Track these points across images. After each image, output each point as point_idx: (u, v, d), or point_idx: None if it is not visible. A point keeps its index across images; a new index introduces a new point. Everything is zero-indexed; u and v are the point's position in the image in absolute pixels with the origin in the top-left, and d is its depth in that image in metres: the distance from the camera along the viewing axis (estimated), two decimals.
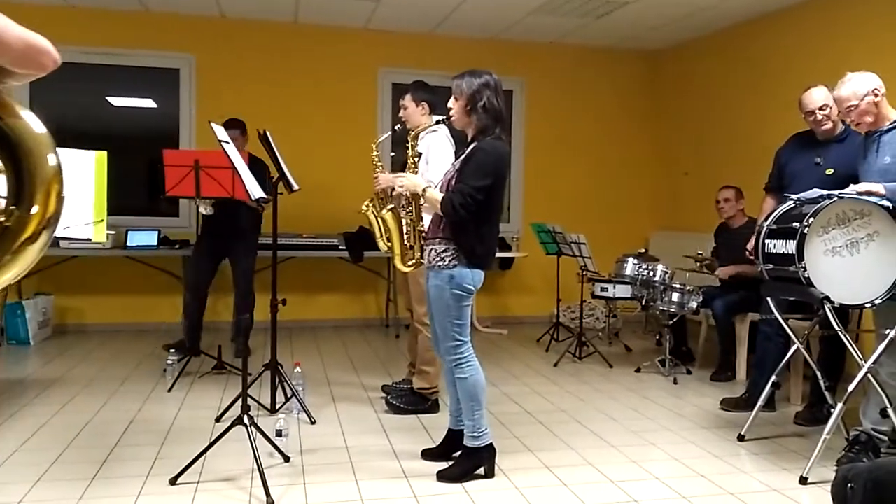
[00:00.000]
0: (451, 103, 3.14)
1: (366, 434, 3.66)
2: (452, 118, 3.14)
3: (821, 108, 3.78)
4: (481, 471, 3.09)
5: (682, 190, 7.12)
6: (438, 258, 3.03)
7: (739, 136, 6.24)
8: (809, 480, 3.06)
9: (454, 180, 3.03)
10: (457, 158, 3.27)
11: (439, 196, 3.02)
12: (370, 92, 6.91)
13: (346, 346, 5.99)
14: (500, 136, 3.04)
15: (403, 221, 3.42)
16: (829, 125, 3.82)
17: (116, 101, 6.77)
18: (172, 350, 4.86)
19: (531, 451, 3.44)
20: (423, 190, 3.11)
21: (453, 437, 3.26)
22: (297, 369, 4.10)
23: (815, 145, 3.92)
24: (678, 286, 4.93)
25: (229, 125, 4.85)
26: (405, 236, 3.49)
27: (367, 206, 3.83)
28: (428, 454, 3.31)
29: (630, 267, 5.23)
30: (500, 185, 3.04)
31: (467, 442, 3.09)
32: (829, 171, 3.76)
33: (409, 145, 3.48)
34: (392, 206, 3.55)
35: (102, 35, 6.27)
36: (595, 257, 5.52)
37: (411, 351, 4.25)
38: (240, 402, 3.12)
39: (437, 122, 3.65)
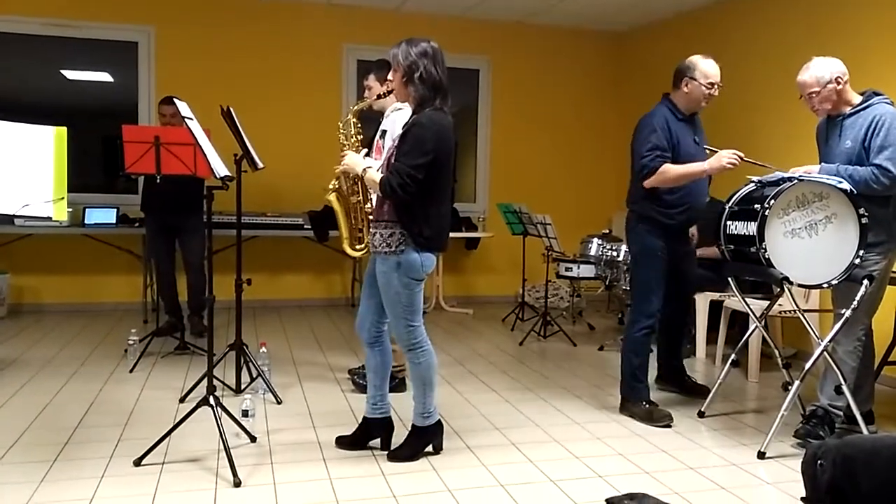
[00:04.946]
0: (390, 75, 3.06)
1: (333, 414, 3.66)
2: (391, 92, 3.12)
3: (719, 83, 3.73)
4: (430, 448, 3.11)
5: None
6: (384, 243, 2.85)
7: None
8: (767, 455, 3.15)
9: (393, 158, 2.85)
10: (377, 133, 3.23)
11: (378, 177, 2.86)
12: (334, 68, 6.81)
13: (311, 325, 5.96)
14: (440, 107, 2.86)
15: (352, 202, 3.41)
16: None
17: (72, 74, 6.57)
18: (177, 335, 4.79)
19: (498, 429, 3.48)
20: (364, 171, 2.99)
21: (368, 426, 3.16)
22: (263, 349, 4.07)
23: (685, 122, 3.81)
24: None
25: (167, 102, 4.79)
26: (353, 219, 3.54)
27: (335, 184, 3.80)
28: (341, 442, 3.18)
29: (594, 247, 5.30)
30: (443, 160, 2.83)
31: (416, 421, 3.07)
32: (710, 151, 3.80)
33: (353, 128, 3.56)
34: (335, 185, 3.56)
35: (58, 6, 6.05)
36: (560, 237, 5.57)
37: None
38: (204, 382, 3.09)
39: (378, 98, 3.67)
